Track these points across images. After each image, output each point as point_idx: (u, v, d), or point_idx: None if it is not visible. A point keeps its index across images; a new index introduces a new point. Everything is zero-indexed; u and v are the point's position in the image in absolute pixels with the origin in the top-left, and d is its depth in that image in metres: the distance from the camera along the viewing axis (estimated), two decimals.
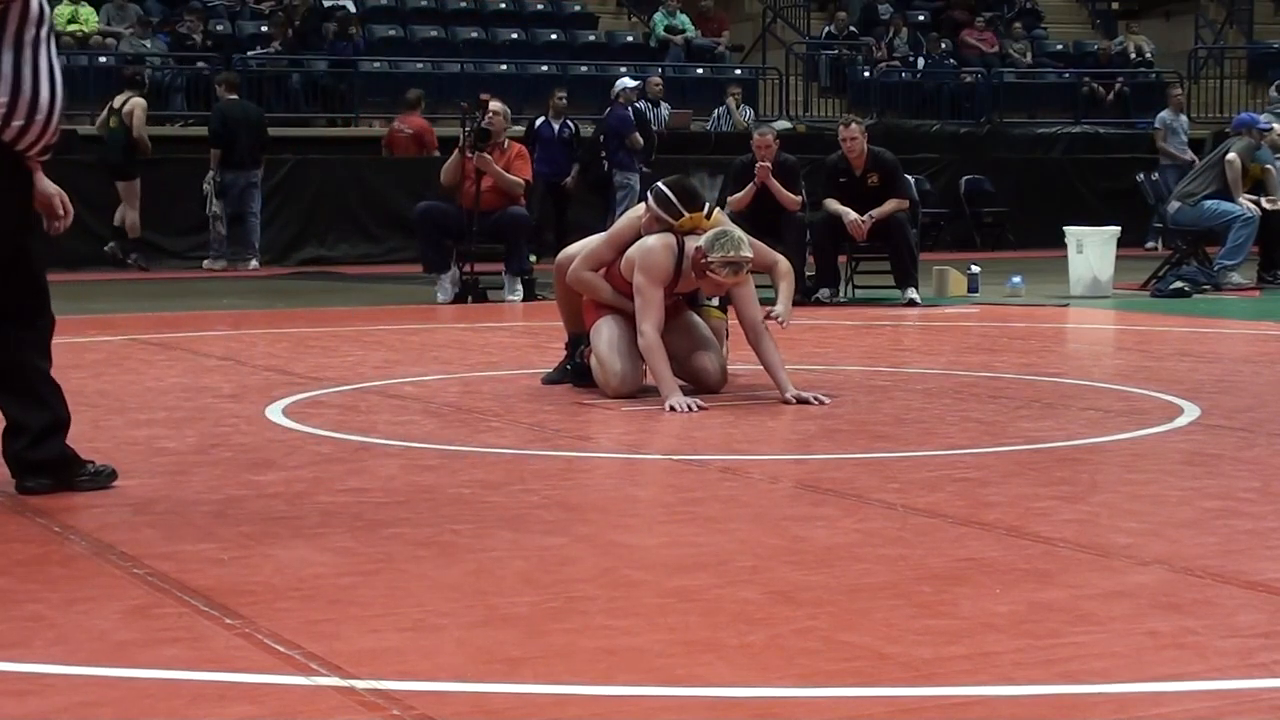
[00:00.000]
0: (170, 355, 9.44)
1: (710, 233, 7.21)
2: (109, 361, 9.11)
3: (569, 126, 18.93)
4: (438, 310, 13.02)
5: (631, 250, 7.36)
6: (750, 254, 7.20)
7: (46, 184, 5.11)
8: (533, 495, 5.14)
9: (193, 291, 15.16)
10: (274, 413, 7.00)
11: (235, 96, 18.10)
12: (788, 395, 7.15)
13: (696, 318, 7.64)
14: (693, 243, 7.23)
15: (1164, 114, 20.95)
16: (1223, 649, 3.41)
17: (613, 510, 5.04)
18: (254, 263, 17.92)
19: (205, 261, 17.91)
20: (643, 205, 7.59)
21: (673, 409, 6.88)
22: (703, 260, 7.13)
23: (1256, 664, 3.31)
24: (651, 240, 7.31)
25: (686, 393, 7.13)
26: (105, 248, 17.52)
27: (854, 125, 13.19)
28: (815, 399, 7.13)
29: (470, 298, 13.45)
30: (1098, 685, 3.16)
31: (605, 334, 7.44)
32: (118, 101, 17.65)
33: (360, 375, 8.38)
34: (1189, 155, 19.72)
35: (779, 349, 7.38)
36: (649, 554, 4.36)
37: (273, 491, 5.22)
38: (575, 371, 7.76)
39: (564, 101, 18.76)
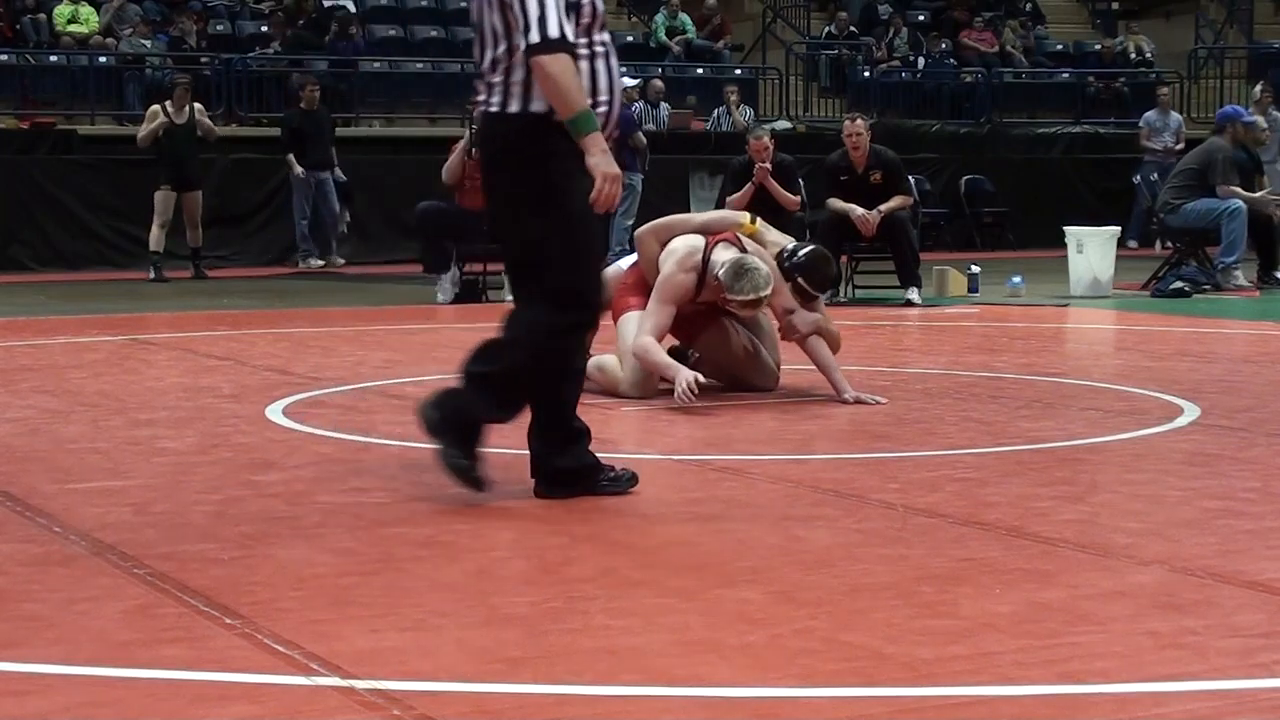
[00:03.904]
0: (170, 355, 9.44)
1: (730, 266, 7.08)
2: (109, 361, 9.11)
3: None
4: (438, 310, 13.01)
5: (664, 255, 7.37)
6: (768, 290, 7.09)
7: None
8: (532, 495, 5.14)
9: (193, 291, 15.16)
10: (274, 413, 6.99)
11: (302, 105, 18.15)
12: (846, 396, 7.14)
13: (733, 323, 7.63)
14: (722, 253, 7.24)
15: (1150, 114, 20.99)
16: (1223, 649, 3.41)
17: (613, 510, 5.04)
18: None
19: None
20: (744, 216, 7.71)
21: (684, 392, 6.91)
22: (723, 296, 7.14)
23: (1256, 664, 3.31)
24: (679, 255, 7.31)
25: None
26: (160, 275, 16.39)
27: (859, 121, 13.19)
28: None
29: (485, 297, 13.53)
30: (1098, 685, 3.16)
31: (632, 329, 7.42)
32: (180, 117, 16.57)
33: (360, 375, 8.38)
34: (1173, 149, 19.72)
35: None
36: (649, 554, 4.35)
37: (273, 491, 5.22)
38: None
39: None
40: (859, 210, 12.78)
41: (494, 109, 4.94)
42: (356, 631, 3.55)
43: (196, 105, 16.90)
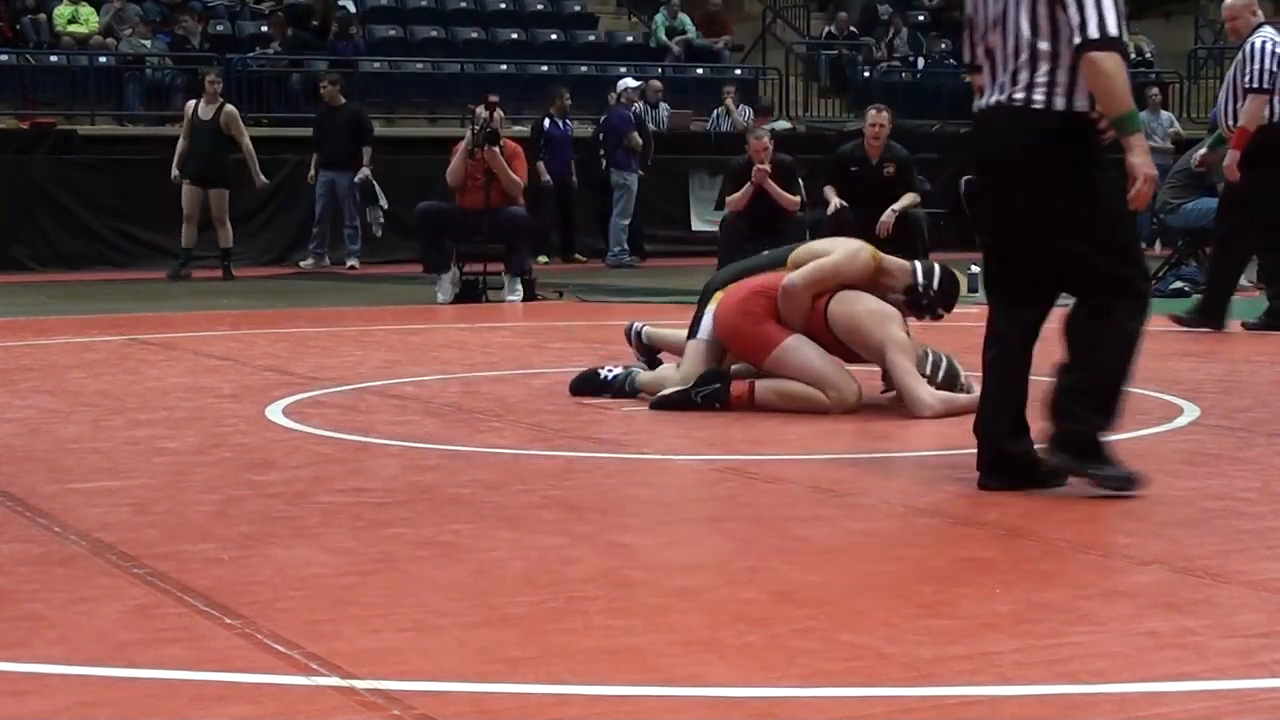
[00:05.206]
0: (170, 355, 9.44)
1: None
2: (109, 361, 9.11)
3: (569, 125, 19.02)
4: (438, 310, 13.01)
5: (861, 309, 6.95)
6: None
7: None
8: (533, 495, 5.14)
9: (193, 291, 15.16)
10: (274, 413, 6.99)
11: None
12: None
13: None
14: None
15: (1140, 115, 21.00)
16: (1223, 649, 3.41)
17: (613, 510, 5.04)
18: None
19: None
20: (866, 250, 7.13)
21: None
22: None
23: (1256, 664, 3.31)
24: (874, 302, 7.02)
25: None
26: (178, 271, 16.43)
27: (884, 112, 13.29)
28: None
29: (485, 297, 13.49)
30: (1098, 685, 3.16)
31: (812, 351, 6.95)
32: (207, 112, 16.54)
33: (360, 375, 8.38)
34: (1169, 150, 19.75)
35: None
36: (649, 554, 4.35)
37: (273, 491, 5.22)
38: (706, 398, 6.99)
39: (568, 101, 18.87)
40: (835, 202, 12.95)
41: (1035, 105, 4.99)
42: (356, 631, 3.55)
43: (228, 108, 16.81)
